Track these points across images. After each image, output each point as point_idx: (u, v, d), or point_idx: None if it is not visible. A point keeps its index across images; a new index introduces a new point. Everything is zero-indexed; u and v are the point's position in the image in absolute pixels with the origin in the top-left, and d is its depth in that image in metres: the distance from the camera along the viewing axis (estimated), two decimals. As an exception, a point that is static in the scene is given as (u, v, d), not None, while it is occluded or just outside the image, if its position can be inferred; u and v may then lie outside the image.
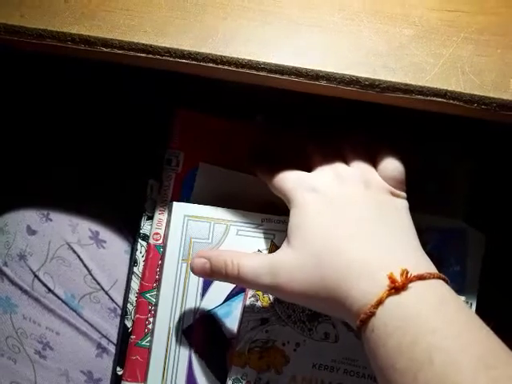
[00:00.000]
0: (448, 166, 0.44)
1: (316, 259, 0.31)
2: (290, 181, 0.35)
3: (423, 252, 0.32)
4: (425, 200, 0.44)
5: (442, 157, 0.44)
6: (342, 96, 0.33)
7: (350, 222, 0.32)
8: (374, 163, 0.36)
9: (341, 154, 0.36)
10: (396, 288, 0.28)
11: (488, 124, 0.44)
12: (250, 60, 0.31)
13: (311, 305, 0.34)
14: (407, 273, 0.28)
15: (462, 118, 0.44)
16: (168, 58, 0.32)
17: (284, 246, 0.34)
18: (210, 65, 0.32)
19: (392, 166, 0.35)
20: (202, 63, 0.32)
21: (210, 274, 0.34)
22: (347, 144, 0.37)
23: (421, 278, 0.29)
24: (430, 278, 0.29)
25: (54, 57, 0.44)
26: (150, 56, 0.32)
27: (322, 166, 0.35)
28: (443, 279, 0.30)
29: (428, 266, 0.30)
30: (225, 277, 0.34)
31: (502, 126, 0.43)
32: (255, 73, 0.32)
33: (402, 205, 0.34)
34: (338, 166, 0.35)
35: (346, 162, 0.36)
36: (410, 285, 0.28)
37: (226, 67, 0.32)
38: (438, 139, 0.45)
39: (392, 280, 0.28)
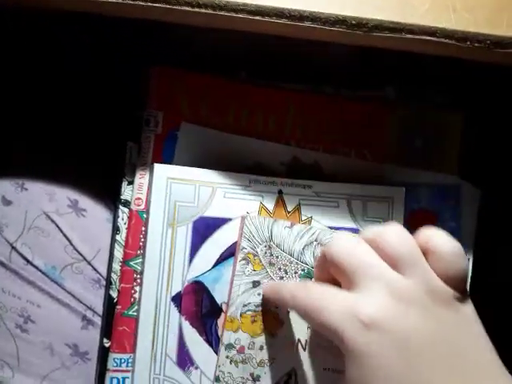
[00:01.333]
0: (438, 120, 0.43)
1: None
2: (333, 313, 0.26)
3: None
4: (416, 156, 0.43)
5: (431, 110, 0.43)
6: (327, 39, 0.31)
7: (429, 369, 0.25)
8: (426, 256, 0.28)
9: (380, 251, 0.28)
10: None
11: (479, 73, 0.42)
12: (228, 2, 0.29)
13: None
14: None
15: (452, 69, 0.43)
16: (140, 3, 0.29)
17: None
18: (185, 8, 0.30)
19: (456, 263, 0.27)
20: (175, 7, 0.29)
21: None
22: (384, 235, 0.28)
23: None
24: None
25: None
26: (120, 1, 0.30)
27: (365, 279, 0.27)
28: None
29: None
30: None
31: (493, 74, 0.41)
32: (234, 15, 0.30)
33: (472, 313, 0.28)
34: (388, 276, 0.27)
35: (391, 262, 0.27)
36: None
37: (202, 10, 0.29)
38: (427, 91, 0.44)
39: None
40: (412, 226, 0.41)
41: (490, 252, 0.42)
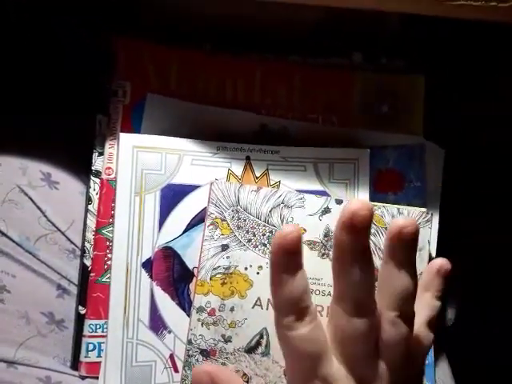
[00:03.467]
0: (402, 83, 0.43)
1: None
2: None
3: None
4: (381, 122, 0.43)
5: (395, 74, 0.43)
6: None
7: None
8: None
9: None
10: None
11: (439, 36, 0.43)
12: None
13: None
14: None
15: (413, 33, 0.43)
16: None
17: None
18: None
19: None
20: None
21: None
22: None
23: None
24: None
25: None
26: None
27: None
28: None
29: None
30: None
31: (453, 35, 0.42)
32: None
33: None
34: None
35: None
36: None
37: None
38: (390, 57, 0.44)
39: None
40: (380, 186, 0.42)
41: (455, 208, 0.42)
